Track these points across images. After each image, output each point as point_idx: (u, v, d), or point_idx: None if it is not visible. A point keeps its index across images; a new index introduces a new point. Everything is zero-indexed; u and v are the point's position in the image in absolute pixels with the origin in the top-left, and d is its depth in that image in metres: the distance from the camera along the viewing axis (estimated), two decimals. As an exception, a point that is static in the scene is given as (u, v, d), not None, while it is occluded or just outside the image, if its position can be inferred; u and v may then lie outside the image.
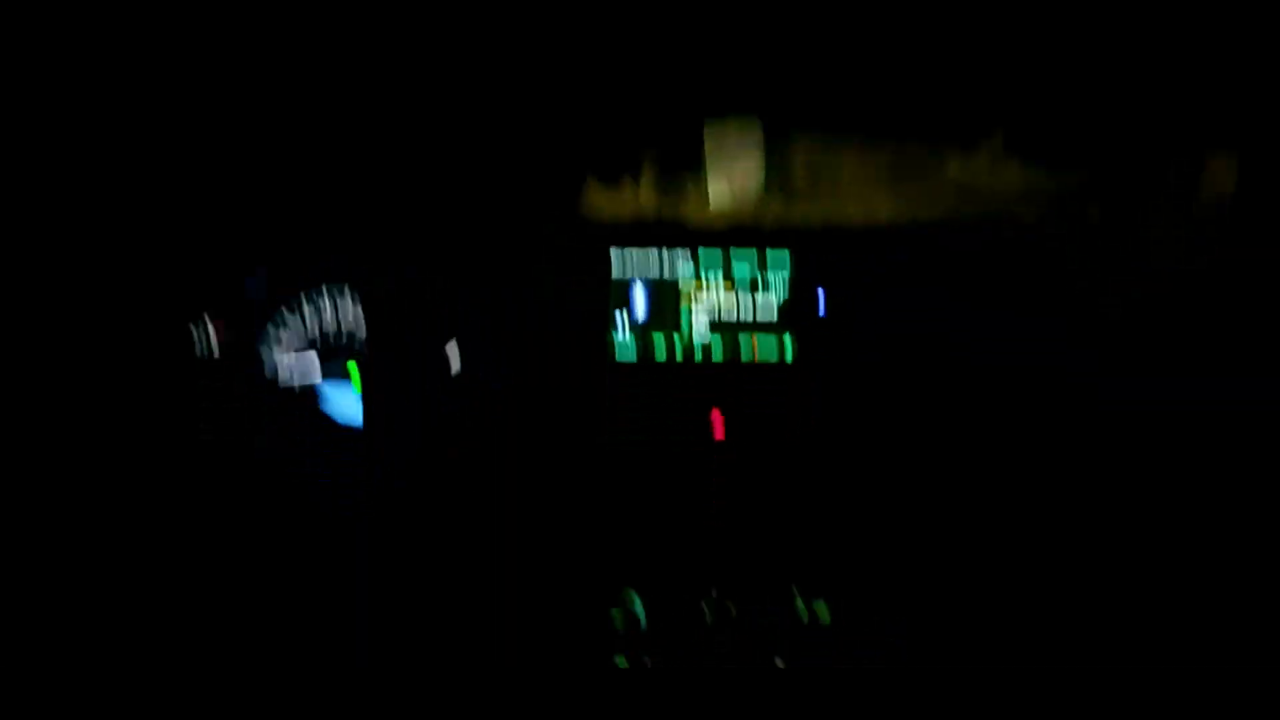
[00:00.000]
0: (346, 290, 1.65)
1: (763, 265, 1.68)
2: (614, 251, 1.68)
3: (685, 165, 1.78)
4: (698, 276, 1.68)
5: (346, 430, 1.60)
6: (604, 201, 1.77)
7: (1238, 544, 1.49)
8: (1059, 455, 1.56)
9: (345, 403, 1.63)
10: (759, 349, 1.67)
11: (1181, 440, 1.52)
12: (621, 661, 1.57)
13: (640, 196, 1.77)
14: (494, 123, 1.73)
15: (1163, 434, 1.53)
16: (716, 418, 1.67)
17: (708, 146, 1.82)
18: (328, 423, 1.61)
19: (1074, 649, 1.49)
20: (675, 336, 1.68)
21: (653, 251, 1.68)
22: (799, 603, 1.60)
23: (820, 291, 1.67)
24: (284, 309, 1.63)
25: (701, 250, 1.68)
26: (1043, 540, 1.54)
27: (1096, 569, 1.52)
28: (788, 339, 1.67)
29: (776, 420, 1.65)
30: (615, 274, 1.68)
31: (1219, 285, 1.57)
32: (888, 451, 1.62)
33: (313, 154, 1.70)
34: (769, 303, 1.68)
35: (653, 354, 1.68)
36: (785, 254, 1.68)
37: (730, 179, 1.81)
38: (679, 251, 1.68)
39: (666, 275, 1.68)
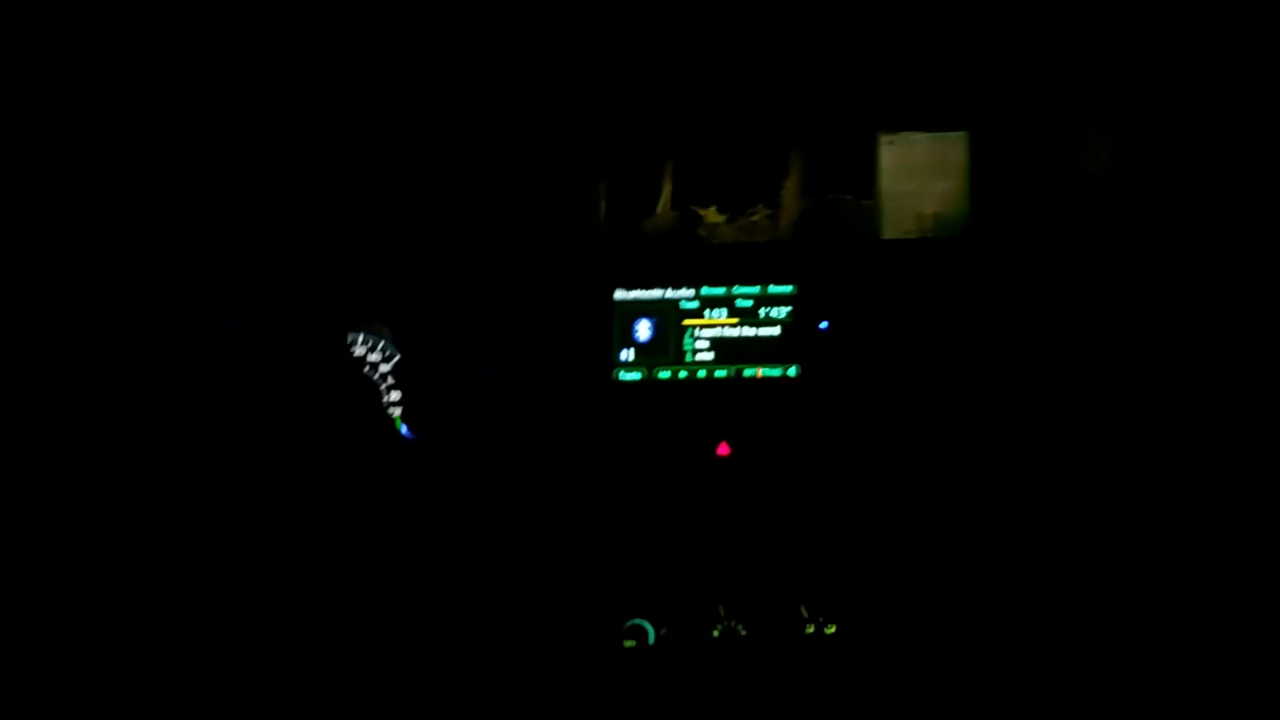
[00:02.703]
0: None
1: (766, 299, 1.71)
2: (620, 292, 1.72)
3: (694, 196, 1.84)
4: (701, 309, 1.71)
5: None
6: (613, 232, 1.82)
7: (1242, 546, 1.47)
8: (1066, 459, 1.56)
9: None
10: (762, 369, 1.69)
11: (1183, 443, 1.52)
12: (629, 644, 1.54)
13: (650, 225, 1.82)
14: (505, 148, 1.80)
15: (1174, 437, 1.53)
16: (721, 443, 1.67)
17: (886, 161, 1.73)
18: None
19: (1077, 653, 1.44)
20: (678, 358, 1.70)
21: (656, 290, 1.72)
22: (807, 624, 1.55)
23: (824, 324, 1.70)
24: None
25: (705, 288, 1.72)
26: (1053, 544, 1.52)
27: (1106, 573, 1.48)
28: (792, 363, 1.69)
29: (781, 435, 1.65)
30: (620, 301, 1.72)
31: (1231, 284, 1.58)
32: (894, 466, 1.61)
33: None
34: (772, 331, 1.70)
35: (655, 374, 1.70)
36: (788, 289, 1.71)
37: (913, 198, 1.71)
38: (684, 290, 1.72)
39: (670, 306, 1.72)
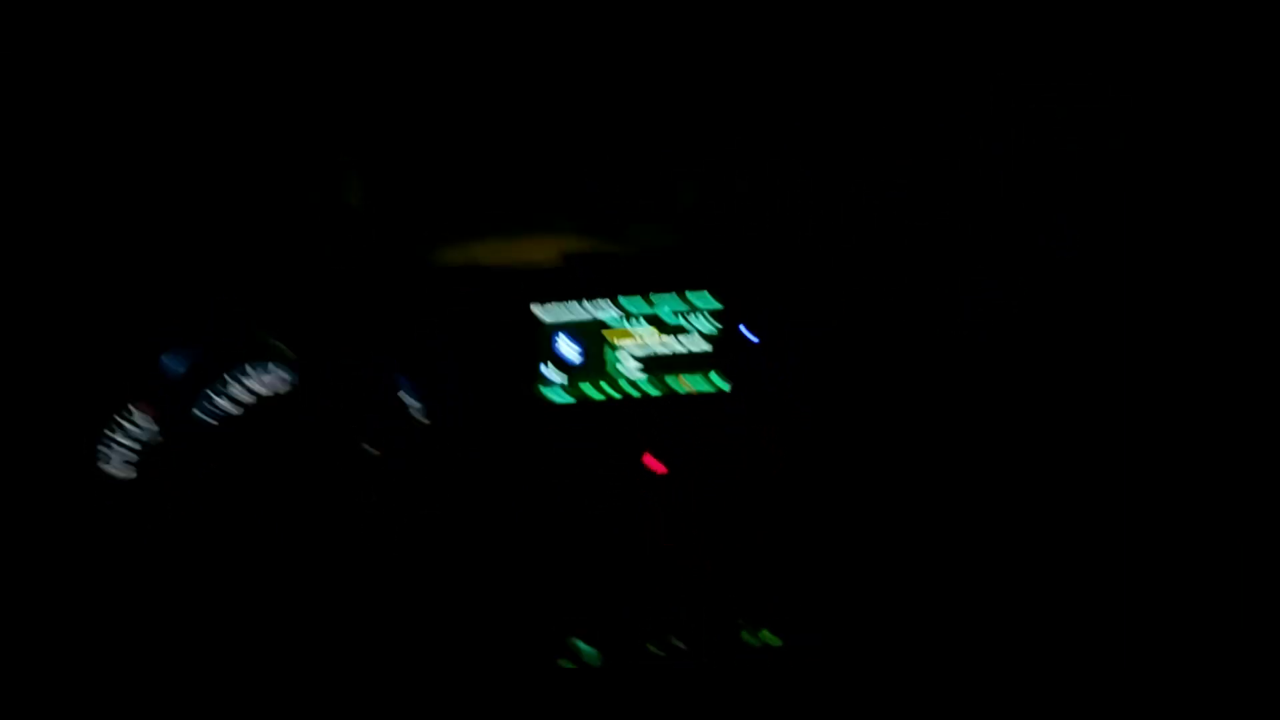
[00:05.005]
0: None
1: (686, 307, 1.71)
2: (537, 306, 1.70)
3: (606, 212, 1.82)
4: (623, 321, 1.70)
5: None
6: (525, 253, 1.79)
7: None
8: (1004, 465, 1.61)
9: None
10: (689, 382, 1.69)
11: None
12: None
13: (561, 246, 1.79)
14: (414, 180, 1.76)
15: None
16: (649, 457, 1.67)
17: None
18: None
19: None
20: (605, 376, 1.69)
21: (574, 303, 1.70)
22: (745, 634, 1.56)
23: (743, 328, 1.71)
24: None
25: (622, 298, 1.71)
26: (993, 551, 1.56)
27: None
28: (716, 373, 1.69)
29: (711, 450, 1.65)
30: (542, 322, 1.70)
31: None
32: (824, 475, 1.63)
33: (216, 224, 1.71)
34: (696, 340, 1.70)
35: (583, 395, 1.68)
36: (705, 295, 1.71)
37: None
38: (601, 301, 1.71)
39: (591, 322, 1.70)
